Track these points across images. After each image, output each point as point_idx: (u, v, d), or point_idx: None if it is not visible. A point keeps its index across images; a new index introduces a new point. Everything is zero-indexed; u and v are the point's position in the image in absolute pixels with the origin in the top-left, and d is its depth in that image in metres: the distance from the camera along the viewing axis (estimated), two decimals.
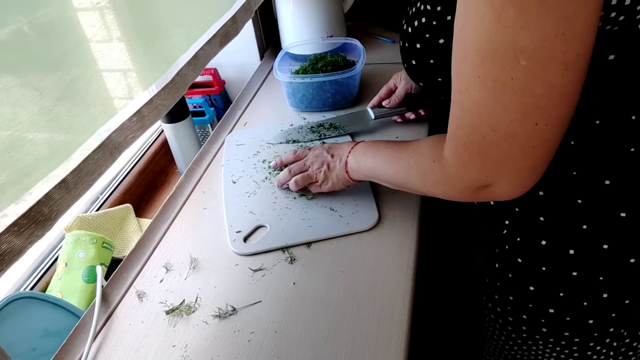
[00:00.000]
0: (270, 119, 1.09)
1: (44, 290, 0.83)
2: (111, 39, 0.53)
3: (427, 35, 0.54)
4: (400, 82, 0.97)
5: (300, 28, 1.21)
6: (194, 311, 0.68)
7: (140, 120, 0.54)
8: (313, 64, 1.07)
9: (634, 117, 0.49)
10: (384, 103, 0.97)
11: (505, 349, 0.73)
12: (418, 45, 0.56)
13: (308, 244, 0.76)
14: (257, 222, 0.80)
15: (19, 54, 0.41)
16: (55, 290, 0.79)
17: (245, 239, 0.77)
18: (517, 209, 0.60)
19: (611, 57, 0.46)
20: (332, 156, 0.79)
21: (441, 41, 0.53)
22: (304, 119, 1.05)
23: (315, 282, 0.70)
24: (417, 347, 0.83)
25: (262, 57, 1.32)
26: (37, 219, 0.41)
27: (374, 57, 1.25)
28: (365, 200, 0.81)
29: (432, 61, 0.56)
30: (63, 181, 0.43)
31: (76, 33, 0.48)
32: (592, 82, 0.47)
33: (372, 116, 0.98)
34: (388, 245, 0.74)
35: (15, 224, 0.39)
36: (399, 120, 0.99)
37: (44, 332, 0.69)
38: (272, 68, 1.19)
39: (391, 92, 0.98)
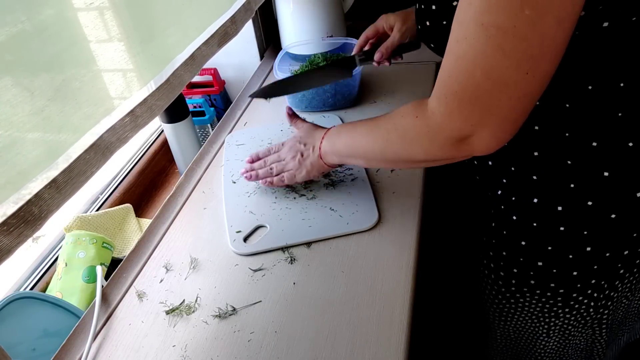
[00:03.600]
0: (270, 119, 1.09)
1: (44, 290, 0.83)
2: (105, 39, 0.52)
3: None
4: (393, 30, 0.89)
5: (300, 28, 1.21)
6: (194, 311, 0.68)
7: (133, 120, 0.54)
8: (313, 64, 1.07)
9: (622, 84, 0.53)
10: (375, 57, 0.89)
11: (495, 302, 0.79)
12: (433, 7, 0.58)
13: (308, 244, 0.76)
14: (257, 222, 0.80)
15: (11, 54, 0.41)
16: (55, 290, 0.79)
17: (245, 239, 0.77)
18: (513, 169, 0.64)
19: (605, 24, 0.49)
20: (305, 145, 0.79)
21: (454, 3, 0.55)
22: (304, 119, 1.05)
23: (315, 282, 0.70)
24: (417, 347, 0.83)
25: (262, 57, 1.32)
26: (26, 219, 0.41)
27: None
28: (365, 200, 0.81)
29: (444, 22, 0.58)
30: (53, 181, 0.43)
31: (70, 33, 0.48)
32: (586, 49, 0.51)
33: (358, 66, 0.91)
34: (388, 245, 0.74)
35: (4, 223, 0.39)
36: (376, 64, 0.91)
37: (44, 332, 0.69)
38: (272, 68, 1.19)
39: (378, 34, 0.92)
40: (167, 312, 0.68)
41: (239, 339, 0.64)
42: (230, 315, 0.67)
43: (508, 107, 0.49)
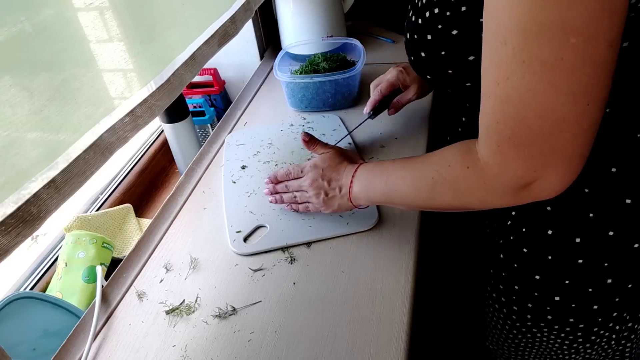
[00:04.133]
0: (270, 119, 1.09)
1: (44, 290, 0.83)
2: (106, 39, 0.52)
3: (440, 26, 0.54)
4: (409, 90, 0.91)
5: (300, 28, 1.21)
6: (194, 311, 0.68)
7: (133, 120, 0.54)
8: (313, 64, 1.07)
9: None
10: (388, 113, 0.93)
11: (509, 337, 0.74)
12: (429, 37, 0.55)
13: (308, 244, 0.76)
14: (257, 222, 0.80)
15: (10, 54, 0.41)
16: (55, 290, 0.79)
17: (245, 239, 0.77)
18: None
19: (625, 44, 0.46)
20: (329, 183, 0.72)
21: (454, 32, 0.53)
22: (304, 118, 1.05)
23: (315, 282, 0.70)
24: (417, 347, 0.83)
25: (262, 57, 1.32)
26: (25, 219, 0.41)
27: (374, 57, 1.25)
28: None
29: (443, 53, 0.55)
30: (52, 181, 0.43)
31: (69, 33, 0.48)
32: None
33: (370, 116, 0.93)
34: (388, 245, 0.74)
35: (2, 223, 0.39)
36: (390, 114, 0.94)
37: (44, 332, 0.69)
38: (272, 68, 1.19)
39: (392, 88, 0.92)
40: (167, 312, 0.68)
41: (239, 339, 0.64)
42: (230, 315, 0.67)
43: (572, 143, 0.44)
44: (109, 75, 0.52)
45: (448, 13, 0.52)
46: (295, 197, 0.77)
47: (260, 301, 0.68)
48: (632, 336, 0.69)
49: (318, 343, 0.62)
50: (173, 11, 0.67)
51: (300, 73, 1.06)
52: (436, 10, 0.54)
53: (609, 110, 0.50)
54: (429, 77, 0.61)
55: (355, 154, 0.77)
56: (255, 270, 0.73)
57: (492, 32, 0.42)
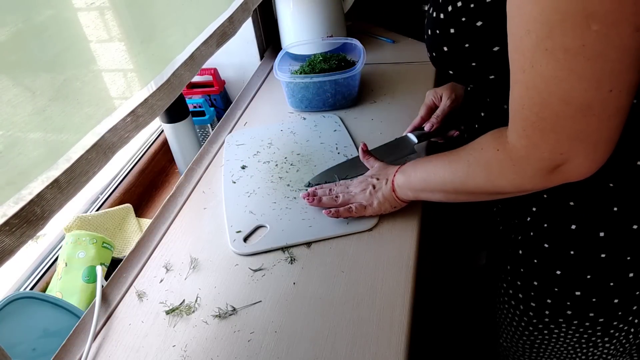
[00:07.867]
0: (270, 119, 1.09)
1: (44, 290, 0.83)
2: (106, 39, 0.52)
3: (464, 19, 0.54)
4: (442, 99, 0.91)
5: (300, 28, 1.21)
6: (194, 311, 0.68)
7: (134, 120, 0.54)
8: (313, 64, 1.07)
9: None
10: (425, 127, 0.90)
11: (525, 335, 0.74)
12: (452, 30, 0.56)
13: (308, 244, 0.76)
14: (257, 222, 0.80)
15: (12, 54, 0.41)
16: (55, 290, 0.79)
17: (245, 239, 0.77)
18: (545, 196, 0.61)
19: None
20: (378, 179, 0.77)
21: (479, 24, 0.53)
22: (304, 118, 1.05)
23: (315, 282, 0.70)
24: (417, 347, 0.83)
25: (262, 57, 1.32)
26: (29, 219, 0.41)
27: (374, 57, 1.25)
28: None
29: (467, 45, 0.56)
30: (56, 181, 0.43)
31: (71, 33, 0.48)
32: None
33: (415, 140, 0.89)
34: (388, 245, 0.74)
35: (6, 223, 0.39)
36: (440, 141, 0.92)
37: (44, 332, 0.69)
38: (272, 68, 1.19)
39: (431, 111, 0.91)
40: (167, 312, 0.68)
41: (239, 339, 0.64)
42: (230, 315, 0.67)
43: (598, 128, 0.45)
44: (109, 75, 0.52)
45: (472, 5, 0.53)
46: (336, 198, 0.78)
47: (260, 301, 0.68)
48: None
49: (318, 343, 0.62)
50: (173, 11, 0.67)
51: (300, 73, 1.06)
52: (459, 4, 0.54)
53: (637, 101, 0.50)
54: (451, 72, 0.61)
55: None
56: (255, 270, 0.73)
57: (516, 22, 0.44)
